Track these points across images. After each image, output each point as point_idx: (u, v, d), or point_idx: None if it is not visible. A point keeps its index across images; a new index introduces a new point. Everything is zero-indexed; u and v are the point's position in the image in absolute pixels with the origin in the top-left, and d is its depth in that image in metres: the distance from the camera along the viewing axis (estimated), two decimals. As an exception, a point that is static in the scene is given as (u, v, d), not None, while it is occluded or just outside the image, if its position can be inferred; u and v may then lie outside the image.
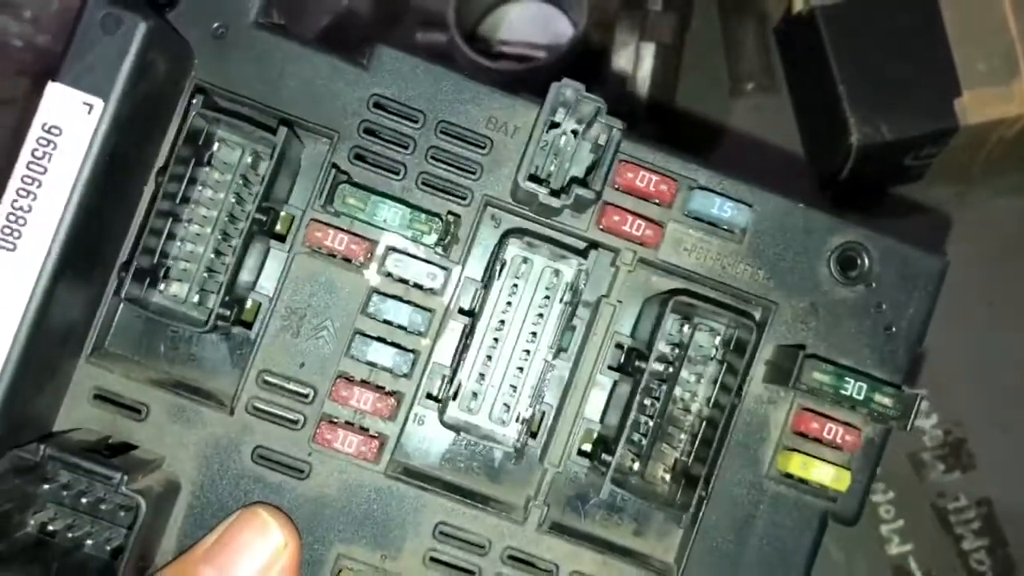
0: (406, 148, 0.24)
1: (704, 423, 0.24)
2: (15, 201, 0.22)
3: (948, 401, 0.51)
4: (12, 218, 0.22)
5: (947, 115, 0.48)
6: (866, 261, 0.25)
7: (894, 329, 0.25)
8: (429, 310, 0.24)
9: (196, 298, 0.24)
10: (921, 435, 0.50)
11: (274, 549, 0.23)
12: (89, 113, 0.22)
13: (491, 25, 0.55)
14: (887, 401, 0.23)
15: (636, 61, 0.50)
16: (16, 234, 0.22)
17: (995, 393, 0.51)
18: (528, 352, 0.23)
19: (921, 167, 0.52)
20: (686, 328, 0.24)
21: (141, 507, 0.22)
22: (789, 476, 0.25)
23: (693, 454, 0.24)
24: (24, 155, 0.22)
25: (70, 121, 0.22)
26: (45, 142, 0.22)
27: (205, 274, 0.23)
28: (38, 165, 0.22)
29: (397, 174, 0.24)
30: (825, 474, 0.25)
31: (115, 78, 0.22)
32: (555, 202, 0.22)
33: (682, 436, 0.24)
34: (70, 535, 0.23)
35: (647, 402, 0.24)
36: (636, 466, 0.24)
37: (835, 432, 0.25)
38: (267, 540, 0.23)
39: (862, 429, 0.25)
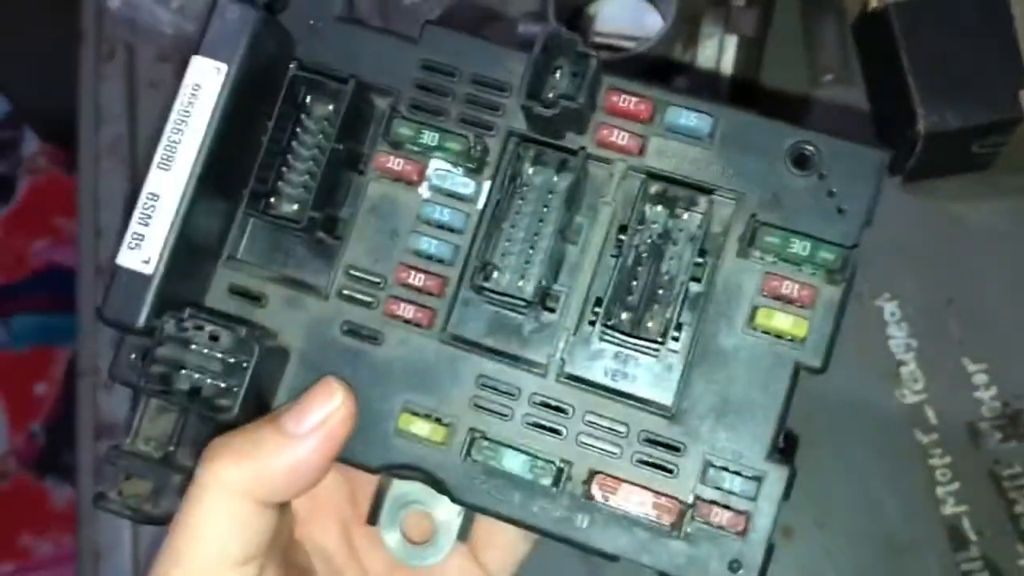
0: (447, 96, 0.31)
1: (687, 290, 0.29)
2: (170, 136, 0.30)
3: (1009, 374, 0.54)
4: (168, 147, 0.30)
5: (1012, 105, 0.51)
6: (816, 156, 0.29)
7: (844, 209, 0.29)
8: (466, 213, 0.31)
9: (296, 207, 0.31)
10: (980, 406, 0.54)
11: (332, 407, 0.29)
12: (218, 73, 0.30)
13: (586, 19, 0.60)
14: (830, 256, 0.28)
15: (720, 52, 0.55)
16: (170, 159, 0.30)
17: (1054, 367, 0.54)
18: (538, 235, 0.30)
19: (988, 155, 0.55)
20: (667, 215, 0.30)
21: (255, 349, 0.29)
22: (758, 329, 0.29)
23: (679, 315, 0.29)
24: (176, 104, 0.31)
25: (206, 80, 0.30)
26: (190, 95, 0.30)
27: (303, 190, 0.31)
28: (185, 111, 0.30)
29: (440, 115, 0.31)
30: (784, 321, 0.29)
31: (235, 50, 0.30)
32: (546, 112, 0.28)
33: (669, 302, 0.29)
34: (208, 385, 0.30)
35: (639, 269, 0.29)
36: (627, 316, 0.29)
37: (792, 288, 0.29)
38: (330, 401, 0.29)
39: (819, 288, 0.29)
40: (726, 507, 0.28)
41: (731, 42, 0.54)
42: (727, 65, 0.54)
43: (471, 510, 0.31)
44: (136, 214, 0.30)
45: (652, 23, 0.58)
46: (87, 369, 0.62)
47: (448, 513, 0.34)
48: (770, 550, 0.28)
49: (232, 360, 0.29)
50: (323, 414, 0.29)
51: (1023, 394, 0.54)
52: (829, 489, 0.52)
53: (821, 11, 0.61)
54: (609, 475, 0.29)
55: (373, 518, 0.34)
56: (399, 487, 0.34)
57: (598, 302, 0.30)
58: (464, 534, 0.34)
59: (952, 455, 0.53)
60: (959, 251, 0.57)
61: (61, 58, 0.73)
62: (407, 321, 0.31)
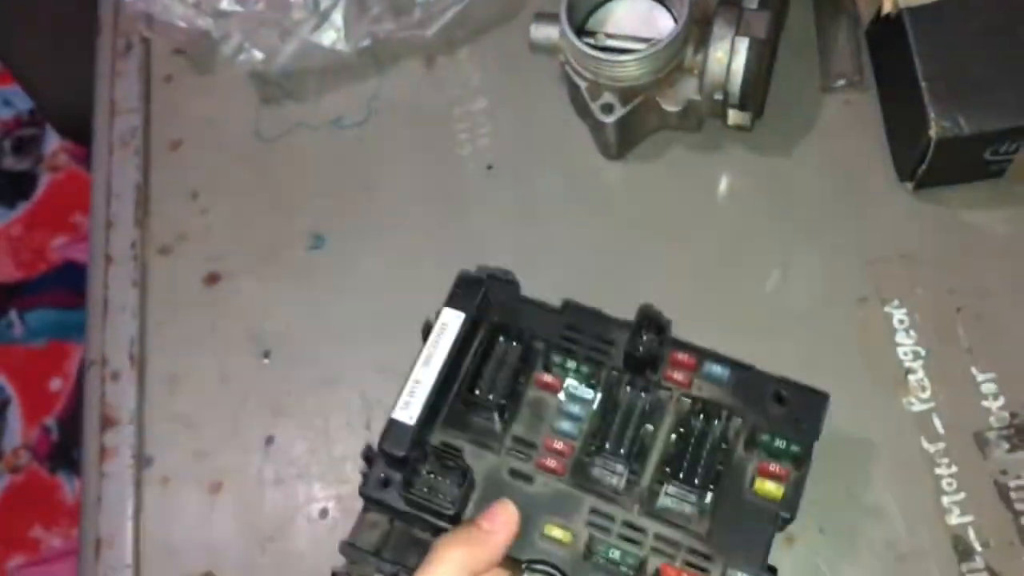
0: (577, 343, 0.48)
1: (717, 467, 0.45)
2: (429, 348, 0.47)
3: (1018, 384, 0.53)
4: (428, 354, 0.47)
5: (1025, 113, 0.50)
6: (788, 396, 0.46)
7: (804, 428, 0.45)
8: (587, 410, 0.47)
9: (491, 396, 0.47)
10: (987, 415, 0.53)
11: (509, 514, 0.44)
12: (457, 319, 0.47)
13: (599, 20, 0.60)
14: (797, 449, 0.45)
15: (731, 54, 0.55)
16: (428, 360, 0.47)
17: (1063, 381, 0.53)
18: (628, 426, 0.46)
19: (1001, 163, 0.54)
20: (704, 423, 0.46)
21: (470, 471, 0.45)
22: (756, 493, 0.45)
23: (713, 479, 0.45)
24: (435, 330, 0.47)
25: (451, 321, 0.47)
26: (440, 327, 0.47)
27: (492, 388, 0.47)
28: (439, 334, 0.47)
29: (573, 353, 0.48)
30: (771, 487, 0.45)
31: (470, 305, 0.47)
32: (638, 355, 0.47)
33: (707, 470, 0.45)
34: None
35: (689, 451, 0.45)
36: (683, 475, 0.44)
37: (775, 468, 0.45)
38: (507, 509, 0.44)
39: (790, 470, 0.45)
40: None
41: (742, 44, 0.54)
42: (738, 66, 0.54)
43: None
44: (406, 389, 0.46)
45: (664, 24, 0.58)
46: (95, 359, 0.62)
47: None
48: None
49: (449, 482, 0.45)
50: (504, 518, 0.44)
51: (1031, 405, 0.53)
52: (832, 495, 0.51)
53: (834, 15, 0.60)
54: (670, 570, 0.44)
55: None
56: None
57: (664, 469, 0.45)
58: None
59: (958, 464, 0.52)
60: (970, 259, 0.57)
61: (82, 55, 0.73)
62: (550, 470, 0.46)
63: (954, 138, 0.51)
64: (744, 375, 0.47)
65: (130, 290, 0.63)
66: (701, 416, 0.46)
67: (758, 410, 0.46)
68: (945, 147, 0.52)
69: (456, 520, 0.45)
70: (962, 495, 0.52)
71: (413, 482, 0.45)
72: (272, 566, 0.56)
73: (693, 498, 0.45)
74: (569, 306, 0.49)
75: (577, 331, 0.48)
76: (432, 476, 0.45)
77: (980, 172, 0.55)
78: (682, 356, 0.47)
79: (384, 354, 0.58)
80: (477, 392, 0.47)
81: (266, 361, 0.60)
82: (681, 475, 0.44)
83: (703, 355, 0.48)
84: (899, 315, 0.56)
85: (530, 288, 0.51)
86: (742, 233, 0.59)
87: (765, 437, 0.45)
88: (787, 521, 0.45)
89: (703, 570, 0.44)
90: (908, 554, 0.50)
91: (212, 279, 0.63)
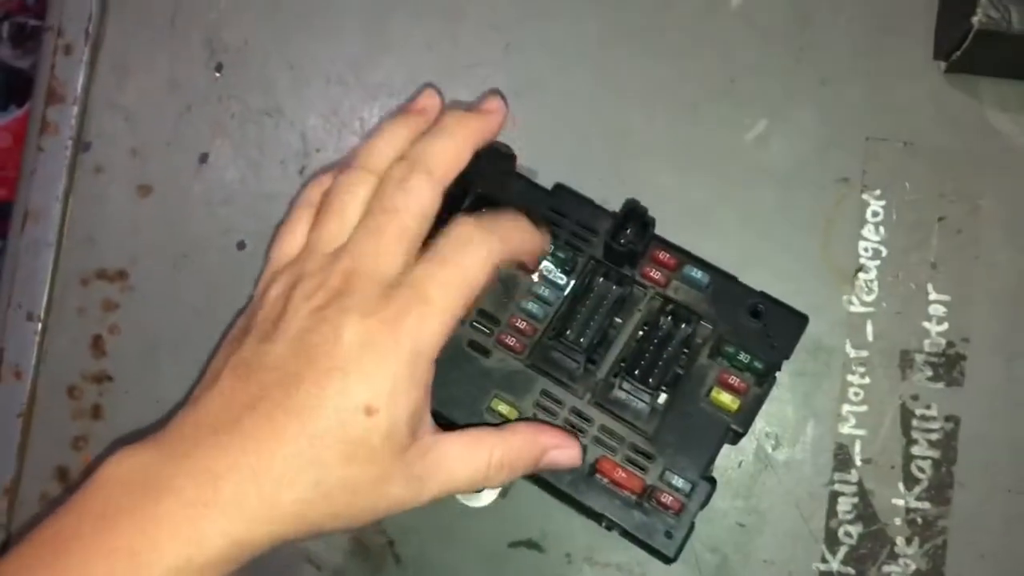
0: (560, 227, 0.47)
1: (675, 369, 0.45)
2: None
3: (965, 315, 0.49)
4: None
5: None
6: (765, 312, 0.45)
7: (775, 346, 0.45)
8: (558, 295, 0.46)
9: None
10: (924, 337, 0.49)
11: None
12: None
13: None
14: (759, 367, 0.44)
15: None
16: None
17: (1018, 323, 0.49)
18: (595, 317, 0.45)
19: (1047, 68, 0.47)
20: (672, 325, 0.45)
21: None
22: (712, 402, 0.44)
23: (666, 380, 0.45)
24: None
25: None
26: None
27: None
28: None
29: (555, 237, 0.46)
30: (727, 399, 0.44)
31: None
32: (619, 248, 0.45)
33: (664, 371, 0.45)
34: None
35: (650, 349, 0.45)
36: (638, 372, 0.44)
37: (735, 381, 0.44)
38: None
39: (750, 385, 0.45)
40: (671, 496, 0.43)
41: None
42: None
43: None
44: None
45: None
46: (52, 24, 0.59)
47: None
48: (691, 528, 0.43)
49: None
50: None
51: (972, 340, 0.49)
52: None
53: None
54: (608, 462, 0.44)
55: None
56: None
57: (621, 364, 0.45)
58: (505, 493, 0.49)
59: (872, 377, 0.50)
60: (978, 166, 0.50)
61: None
62: (508, 347, 0.46)
63: (997, 31, 0.44)
64: (723, 284, 0.46)
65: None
66: (670, 317, 0.45)
67: (731, 321, 0.45)
68: (986, 39, 0.44)
69: None
70: (864, 408, 0.49)
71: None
72: (183, 283, 0.56)
73: (646, 397, 0.44)
74: (561, 190, 0.48)
75: (561, 215, 0.47)
76: None
77: (1019, 71, 0.47)
78: (663, 255, 0.46)
79: (332, 103, 0.55)
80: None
81: (217, 75, 0.57)
82: (637, 372, 0.44)
83: (685, 257, 0.46)
84: (876, 206, 0.51)
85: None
86: (742, 65, 0.53)
87: (731, 348, 0.44)
88: (738, 435, 0.45)
89: (642, 468, 0.44)
90: (788, 450, 0.49)
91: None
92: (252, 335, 0.39)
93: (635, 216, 0.45)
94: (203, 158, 0.57)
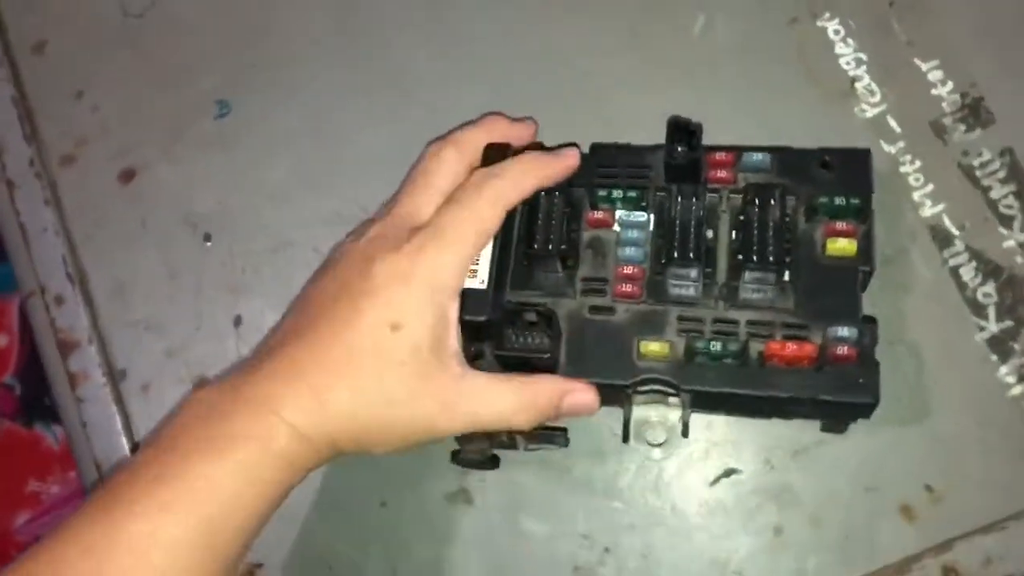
0: (615, 177, 0.48)
1: (785, 244, 0.45)
2: None
3: (961, 64, 0.52)
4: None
5: None
6: (833, 161, 0.47)
7: (857, 182, 0.46)
8: (645, 233, 0.48)
9: (549, 247, 0.47)
10: (939, 102, 0.52)
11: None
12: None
13: None
14: (856, 202, 0.46)
15: None
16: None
17: (1006, 47, 0.52)
18: (688, 234, 0.46)
19: None
20: (759, 210, 0.46)
21: (554, 314, 0.46)
22: (831, 256, 0.45)
23: (785, 256, 0.45)
24: None
25: None
26: None
27: (550, 240, 0.47)
28: None
29: (615, 187, 0.48)
30: (843, 244, 0.45)
31: None
32: (681, 161, 0.47)
33: (778, 250, 0.45)
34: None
35: (755, 238, 0.45)
36: (757, 259, 0.45)
37: (842, 226, 0.46)
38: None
39: (856, 225, 0.46)
40: (844, 347, 0.43)
41: None
42: None
43: (691, 394, 0.45)
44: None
45: None
46: (32, 290, 0.59)
47: (672, 420, 0.50)
48: (877, 366, 0.43)
49: (537, 332, 0.45)
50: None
51: (978, 81, 0.52)
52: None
53: None
54: (774, 343, 0.44)
55: (625, 439, 0.47)
56: (637, 412, 0.49)
57: (734, 263, 0.46)
58: (686, 432, 0.46)
59: (921, 158, 0.52)
60: (891, -50, 0.55)
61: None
62: (627, 296, 0.46)
63: None
64: (783, 155, 0.47)
65: (44, 209, 0.59)
66: (756, 203, 0.45)
67: (807, 182, 0.46)
68: None
69: (552, 367, 0.46)
70: (931, 186, 0.52)
71: (502, 344, 0.45)
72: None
73: (772, 279, 0.45)
74: (595, 148, 0.50)
75: (610, 167, 0.48)
76: (518, 333, 0.46)
77: None
78: (719, 156, 0.47)
79: (327, 206, 0.56)
80: (536, 247, 0.47)
81: (208, 244, 0.58)
82: (754, 259, 0.44)
83: (739, 150, 0.47)
84: (833, 26, 0.54)
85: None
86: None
87: (823, 199, 0.45)
88: (868, 275, 0.45)
89: (804, 339, 0.44)
90: (892, 256, 0.51)
91: (127, 176, 0.59)
92: (312, 280, 0.49)
93: (681, 128, 0.46)
94: (237, 321, 0.56)
